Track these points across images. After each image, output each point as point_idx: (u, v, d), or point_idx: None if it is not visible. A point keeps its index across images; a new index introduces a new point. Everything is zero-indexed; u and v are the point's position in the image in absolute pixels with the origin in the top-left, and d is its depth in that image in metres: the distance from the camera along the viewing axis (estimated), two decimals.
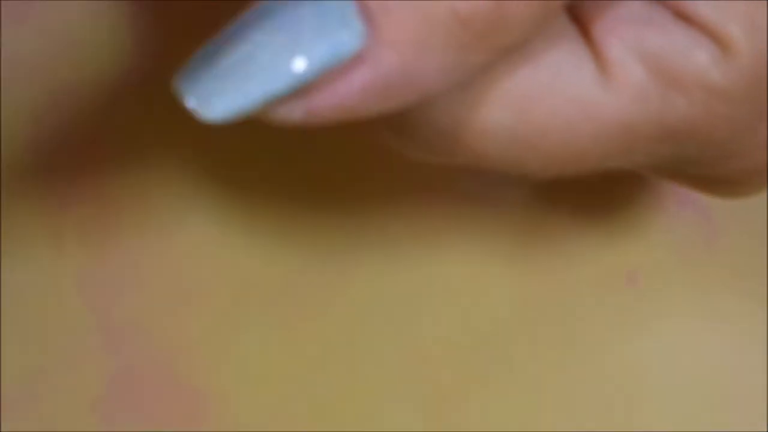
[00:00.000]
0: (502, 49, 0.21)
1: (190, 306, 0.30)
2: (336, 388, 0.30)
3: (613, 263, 0.31)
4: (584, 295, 0.30)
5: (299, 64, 0.21)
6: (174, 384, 0.29)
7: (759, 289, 0.30)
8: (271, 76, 0.21)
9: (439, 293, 0.30)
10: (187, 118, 0.30)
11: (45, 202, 0.31)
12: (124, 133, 0.31)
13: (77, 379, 0.29)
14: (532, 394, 0.30)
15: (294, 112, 0.21)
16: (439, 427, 0.30)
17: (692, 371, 0.30)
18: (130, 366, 0.30)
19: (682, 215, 0.31)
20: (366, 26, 0.20)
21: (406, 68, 0.21)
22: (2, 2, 0.32)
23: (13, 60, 0.31)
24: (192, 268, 0.30)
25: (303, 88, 0.21)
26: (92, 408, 0.29)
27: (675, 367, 0.30)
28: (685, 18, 0.22)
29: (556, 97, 0.22)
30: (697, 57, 0.22)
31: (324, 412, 0.30)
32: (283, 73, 0.21)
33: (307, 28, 0.21)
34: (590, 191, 0.31)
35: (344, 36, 0.20)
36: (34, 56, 0.31)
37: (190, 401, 0.29)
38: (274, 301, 0.30)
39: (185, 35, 0.31)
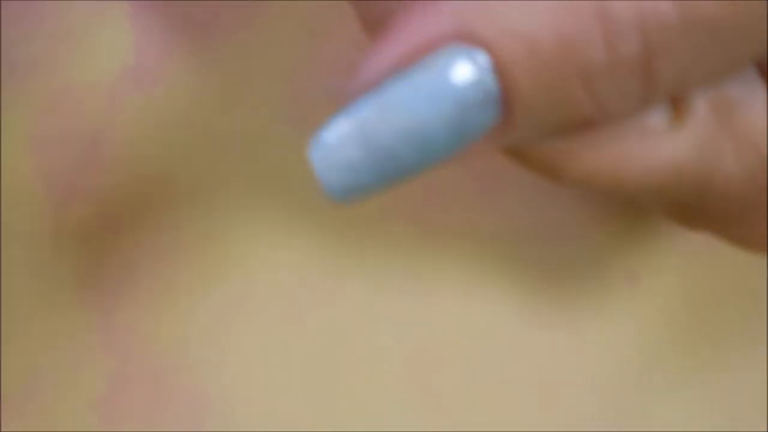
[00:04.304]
0: None
1: (190, 306, 0.30)
2: (336, 388, 0.30)
3: (614, 263, 0.31)
4: (584, 295, 0.30)
5: (444, 138, 0.21)
6: (174, 384, 0.29)
7: (759, 289, 0.30)
8: (414, 150, 0.21)
9: (439, 293, 0.30)
10: (185, 117, 0.30)
11: (45, 202, 0.31)
12: (124, 133, 0.31)
13: (77, 379, 0.29)
14: (532, 394, 0.30)
15: None
16: (439, 427, 0.30)
17: (692, 371, 0.30)
18: (130, 366, 0.30)
19: None
20: (501, 107, 0.21)
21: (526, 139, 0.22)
22: (2, 2, 0.32)
23: (13, 60, 0.31)
24: (192, 268, 0.30)
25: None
26: (92, 408, 0.29)
27: (675, 366, 0.30)
28: (762, 71, 0.22)
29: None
30: (762, 117, 0.22)
31: (324, 412, 0.30)
32: (426, 146, 0.21)
33: (453, 100, 0.21)
34: (591, 191, 0.31)
35: (486, 113, 0.21)
36: (34, 56, 0.31)
37: (190, 401, 0.29)
38: (274, 301, 0.30)
39: (185, 35, 0.31)
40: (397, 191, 0.31)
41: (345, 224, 0.31)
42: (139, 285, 0.30)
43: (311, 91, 0.31)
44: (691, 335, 0.30)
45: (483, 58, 0.20)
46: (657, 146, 0.22)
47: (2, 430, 0.29)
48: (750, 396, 0.30)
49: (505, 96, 0.20)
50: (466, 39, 0.20)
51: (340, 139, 0.21)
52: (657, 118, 0.22)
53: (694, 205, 0.23)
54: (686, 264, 0.31)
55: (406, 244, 0.31)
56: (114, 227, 0.30)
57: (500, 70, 0.20)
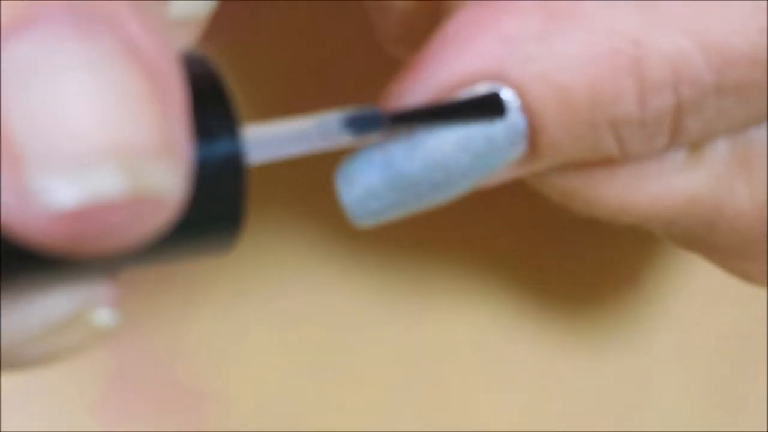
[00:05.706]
0: None
1: (190, 306, 0.30)
2: (336, 389, 0.30)
3: (613, 263, 0.31)
4: (584, 295, 0.30)
5: (468, 170, 0.21)
6: (174, 385, 0.29)
7: (759, 289, 0.30)
8: (438, 180, 0.21)
9: (439, 292, 0.30)
10: None
11: None
12: None
13: (77, 379, 0.29)
14: (532, 394, 0.30)
15: None
16: (439, 428, 0.30)
17: (692, 371, 0.30)
18: (129, 366, 0.30)
19: None
20: (527, 143, 0.21)
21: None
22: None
23: None
24: (192, 268, 0.30)
25: None
26: (92, 408, 0.29)
27: (675, 366, 0.30)
28: None
29: None
30: None
31: (324, 412, 0.30)
32: (450, 177, 0.21)
33: (481, 137, 0.21)
34: (602, 218, 0.31)
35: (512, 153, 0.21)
36: None
37: (190, 402, 0.29)
38: (274, 301, 0.30)
39: None
40: None
41: (345, 226, 0.31)
42: (139, 285, 0.30)
43: (311, 90, 0.31)
44: (691, 334, 0.30)
45: (513, 98, 0.21)
46: (672, 178, 0.22)
47: (2, 430, 0.29)
48: (750, 396, 0.30)
49: (532, 134, 0.21)
50: (498, 79, 0.21)
51: (367, 168, 0.21)
52: (676, 155, 0.22)
53: (701, 236, 0.23)
54: (686, 263, 0.31)
55: (407, 246, 0.31)
56: None
57: (529, 111, 0.21)
